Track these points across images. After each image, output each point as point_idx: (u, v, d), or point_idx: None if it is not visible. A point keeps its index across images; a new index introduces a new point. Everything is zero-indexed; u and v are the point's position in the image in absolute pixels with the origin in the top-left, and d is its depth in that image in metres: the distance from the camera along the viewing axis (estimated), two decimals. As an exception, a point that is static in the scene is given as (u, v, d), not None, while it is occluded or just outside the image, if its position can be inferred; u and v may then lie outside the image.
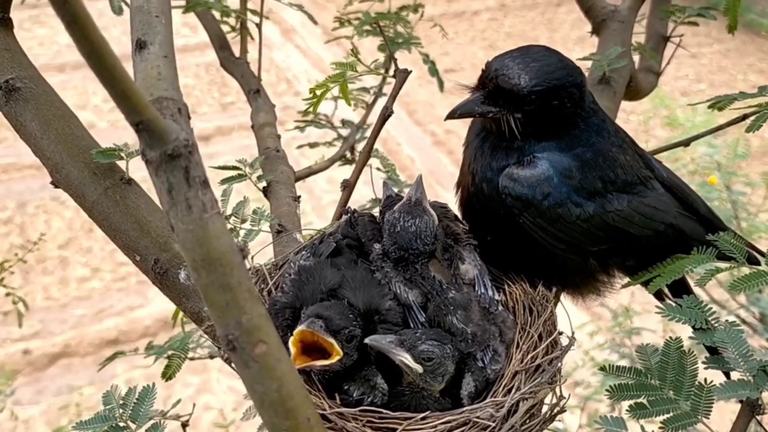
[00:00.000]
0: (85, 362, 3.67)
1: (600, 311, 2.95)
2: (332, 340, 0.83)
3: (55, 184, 1.05)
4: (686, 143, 1.29)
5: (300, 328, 0.83)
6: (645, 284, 1.01)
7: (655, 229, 1.00)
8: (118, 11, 1.34)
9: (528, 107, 0.94)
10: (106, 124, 4.97)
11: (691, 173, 2.85)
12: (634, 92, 1.64)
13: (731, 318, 2.43)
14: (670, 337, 0.90)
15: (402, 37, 1.92)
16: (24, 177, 4.66)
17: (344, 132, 2.00)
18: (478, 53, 6.07)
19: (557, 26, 6.75)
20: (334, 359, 0.84)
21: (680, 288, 1.07)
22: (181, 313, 1.53)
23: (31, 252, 2.76)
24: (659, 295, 1.10)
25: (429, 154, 5.10)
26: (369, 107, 2.00)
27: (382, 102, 1.83)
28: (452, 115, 0.97)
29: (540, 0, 7.33)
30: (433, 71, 1.92)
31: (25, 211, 4.51)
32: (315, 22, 1.75)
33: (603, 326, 2.93)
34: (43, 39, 5.74)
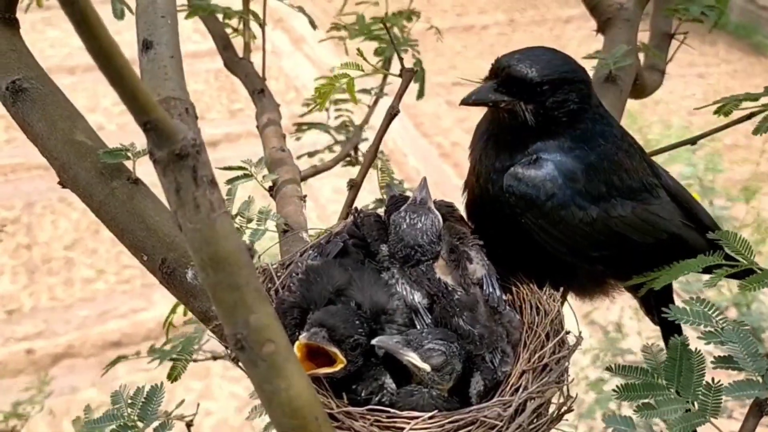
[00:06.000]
0: (88, 363, 3.68)
1: (591, 329, 2.97)
2: (336, 350, 0.83)
3: (63, 184, 1.05)
4: (693, 141, 1.29)
5: (303, 340, 0.83)
6: (636, 289, 1.01)
7: (657, 238, 0.99)
8: (120, 15, 1.35)
9: (539, 98, 0.94)
10: (115, 127, 4.97)
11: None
12: (639, 90, 1.64)
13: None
14: (676, 335, 0.89)
15: (397, 39, 1.92)
16: (32, 177, 4.66)
17: (340, 137, 2.00)
18: (487, 67, 6.06)
19: (566, 43, 6.75)
20: (338, 367, 0.84)
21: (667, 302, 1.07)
22: (171, 319, 1.54)
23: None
24: (649, 309, 1.11)
25: (435, 165, 5.09)
26: (371, 108, 2.01)
27: (382, 103, 1.83)
28: (466, 101, 0.97)
29: (549, 16, 7.35)
30: (420, 77, 1.91)
31: (33, 211, 4.52)
32: (314, 27, 1.75)
33: (595, 344, 2.94)
34: (54, 41, 5.74)
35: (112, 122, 5.05)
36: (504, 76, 0.95)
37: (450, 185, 4.68)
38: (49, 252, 4.19)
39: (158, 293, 3.85)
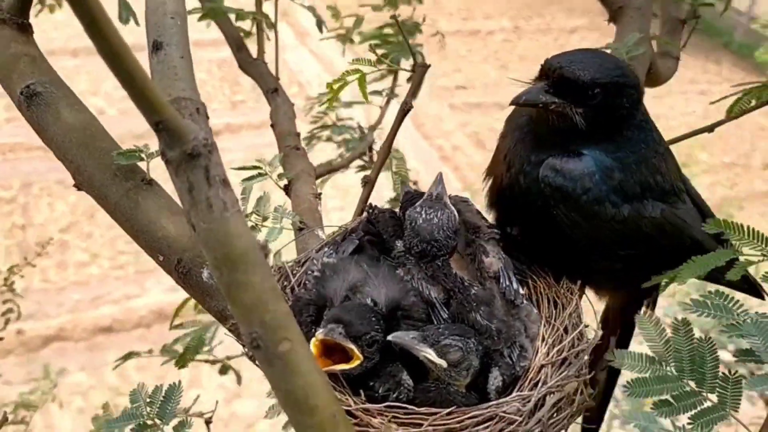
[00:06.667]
0: (78, 347, 3.68)
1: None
2: (352, 346, 0.83)
3: (78, 186, 1.05)
4: (710, 129, 1.28)
5: (319, 336, 0.83)
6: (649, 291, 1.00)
7: (681, 242, 0.99)
8: (125, 21, 1.36)
9: (591, 101, 0.93)
10: (116, 112, 4.95)
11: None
12: (654, 78, 1.62)
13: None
14: (676, 318, 0.87)
15: (402, 47, 1.91)
16: (31, 158, 4.65)
17: (348, 136, 2.01)
18: (491, 73, 6.03)
19: (570, 53, 6.75)
20: (355, 364, 0.84)
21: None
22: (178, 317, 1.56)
23: (40, 256, 2.75)
24: (606, 323, 1.12)
25: (435, 168, 5.05)
26: (383, 108, 2.01)
27: (394, 104, 1.83)
28: (516, 102, 0.95)
29: (554, 26, 7.33)
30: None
31: (30, 191, 4.51)
32: (321, 30, 1.75)
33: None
34: (58, 23, 5.75)
35: (113, 107, 5.03)
36: (555, 78, 0.93)
37: (450, 188, 4.63)
38: (44, 233, 4.19)
39: (151, 280, 3.84)
